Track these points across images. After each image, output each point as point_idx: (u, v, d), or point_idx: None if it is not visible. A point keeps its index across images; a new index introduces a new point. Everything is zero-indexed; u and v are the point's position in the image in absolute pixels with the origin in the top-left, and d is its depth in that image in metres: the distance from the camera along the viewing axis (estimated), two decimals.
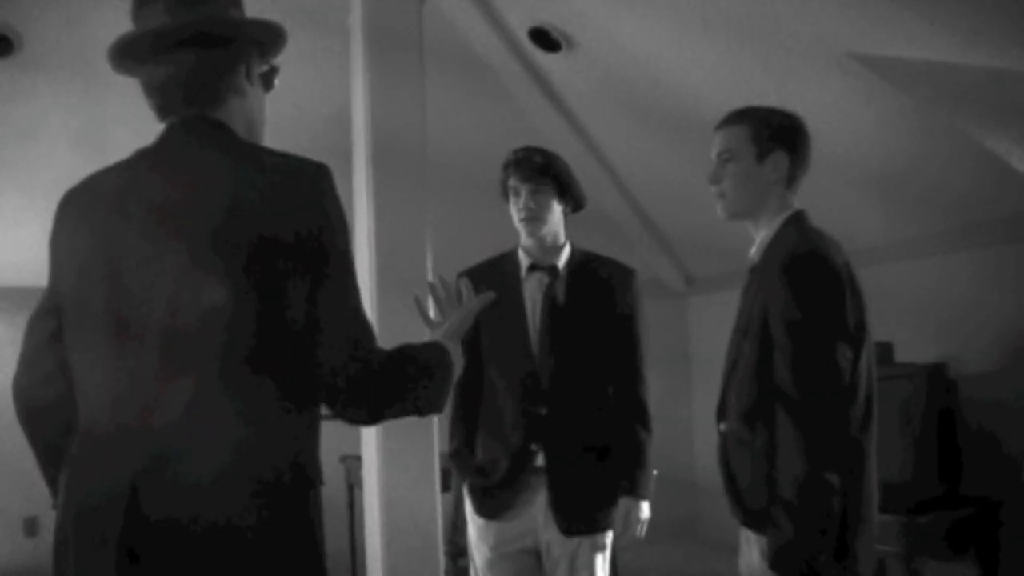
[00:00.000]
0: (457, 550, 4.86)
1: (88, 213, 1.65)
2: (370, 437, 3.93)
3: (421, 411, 1.73)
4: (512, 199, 2.87)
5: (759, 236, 2.33)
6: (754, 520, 2.22)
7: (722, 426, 2.33)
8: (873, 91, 3.91)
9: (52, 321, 1.70)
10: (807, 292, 2.13)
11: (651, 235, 6.53)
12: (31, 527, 5.46)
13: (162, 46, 1.65)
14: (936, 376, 4.22)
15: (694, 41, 4.42)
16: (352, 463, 4.95)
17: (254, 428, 1.50)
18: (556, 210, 2.85)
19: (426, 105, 4.01)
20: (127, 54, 1.69)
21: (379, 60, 3.98)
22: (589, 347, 2.82)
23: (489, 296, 1.99)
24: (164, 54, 1.66)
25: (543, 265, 2.87)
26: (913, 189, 4.43)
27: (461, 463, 2.92)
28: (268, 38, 1.75)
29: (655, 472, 2.91)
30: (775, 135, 2.30)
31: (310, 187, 1.57)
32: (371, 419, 1.68)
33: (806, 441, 2.05)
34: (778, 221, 2.29)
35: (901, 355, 4.37)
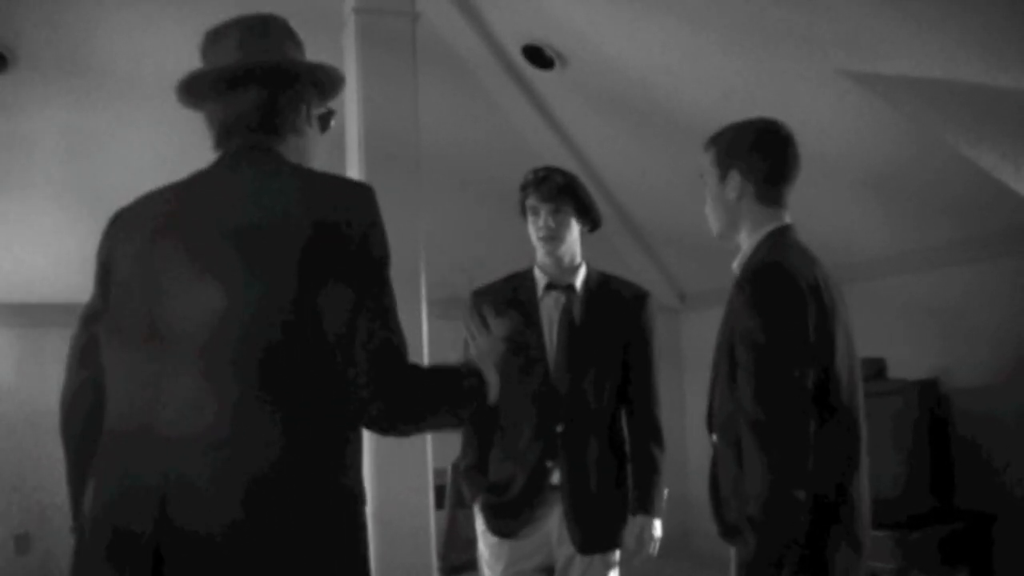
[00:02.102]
0: (450, 567, 4.84)
1: (135, 229, 1.69)
2: (363, 454, 3.92)
3: (452, 424, 1.80)
4: (531, 218, 2.88)
5: (741, 251, 2.34)
6: (729, 533, 2.23)
7: (713, 437, 2.34)
8: (864, 106, 3.93)
9: (85, 334, 1.74)
10: (764, 308, 2.13)
11: (644, 251, 6.54)
12: (23, 544, 5.42)
13: (230, 82, 1.72)
14: (928, 391, 4.23)
15: (687, 59, 4.45)
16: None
17: (291, 440, 1.51)
18: (574, 230, 2.88)
19: (419, 120, 4.02)
20: (194, 90, 1.76)
21: (373, 75, 4.00)
22: (605, 366, 2.84)
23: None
24: (228, 91, 1.73)
25: (560, 284, 2.89)
26: (904, 204, 4.45)
27: (474, 481, 2.92)
28: (328, 80, 1.83)
29: (666, 490, 2.92)
30: (729, 155, 2.31)
31: (355, 206, 1.62)
32: (401, 430, 1.72)
33: (768, 458, 2.05)
34: (758, 236, 2.29)
35: (893, 370, 4.38)
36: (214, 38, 1.77)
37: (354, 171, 3.99)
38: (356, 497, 1.62)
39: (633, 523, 2.82)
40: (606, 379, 2.83)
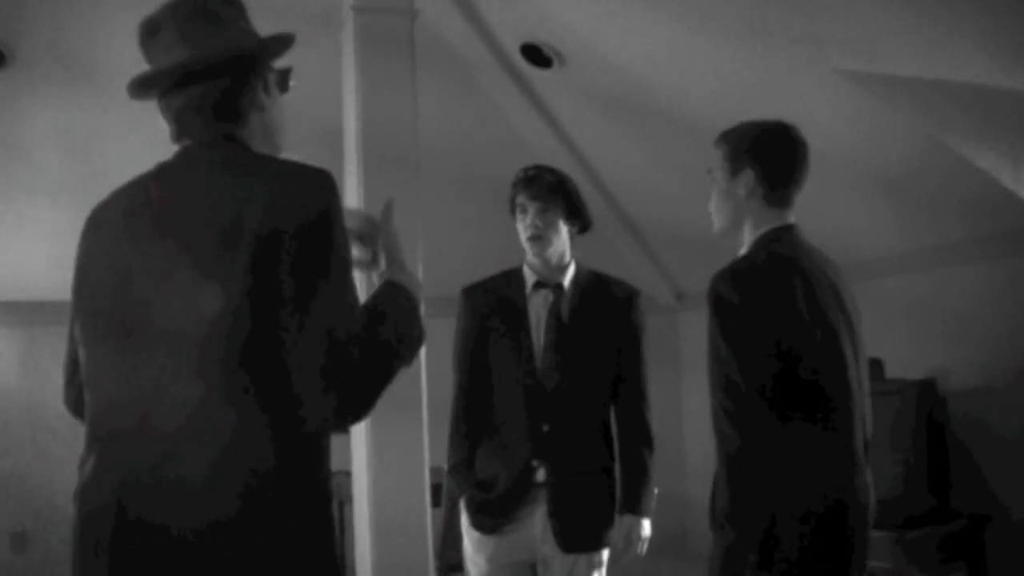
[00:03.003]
0: (447, 566, 4.84)
1: (104, 227, 1.68)
2: (360, 452, 3.92)
3: (407, 360, 1.67)
4: (520, 216, 2.88)
5: (743, 249, 2.35)
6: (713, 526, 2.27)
7: None
8: (861, 107, 3.93)
9: (71, 340, 1.74)
10: (720, 316, 2.15)
11: (642, 250, 6.54)
12: (19, 543, 5.42)
13: (184, 77, 1.68)
14: (926, 392, 4.23)
15: (686, 58, 4.45)
16: (342, 479, 4.93)
17: (253, 434, 1.50)
18: (563, 230, 2.87)
19: (417, 118, 4.02)
20: (143, 90, 1.72)
21: (371, 73, 3.99)
22: (593, 365, 2.84)
23: (389, 202, 1.86)
24: (180, 86, 1.68)
25: (549, 283, 2.88)
26: (902, 205, 4.45)
27: (461, 477, 2.92)
28: (281, 48, 1.77)
29: (656, 490, 2.92)
30: (744, 152, 2.32)
31: (311, 193, 1.57)
32: (363, 404, 1.60)
33: (727, 472, 2.10)
34: (754, 237, 2.30)
35: (891, 370, 4.38)
36: (151, 29, 1.73)
37: (352, 169, 3.99)
38: (329, 495, 1.61)
39: (621, 523, 2.82)
40: (594, 378, 2.84)
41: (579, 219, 2.90)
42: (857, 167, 4.35)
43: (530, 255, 2.89)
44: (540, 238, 2.83)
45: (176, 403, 1.51)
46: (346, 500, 4.95)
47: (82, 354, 1.67)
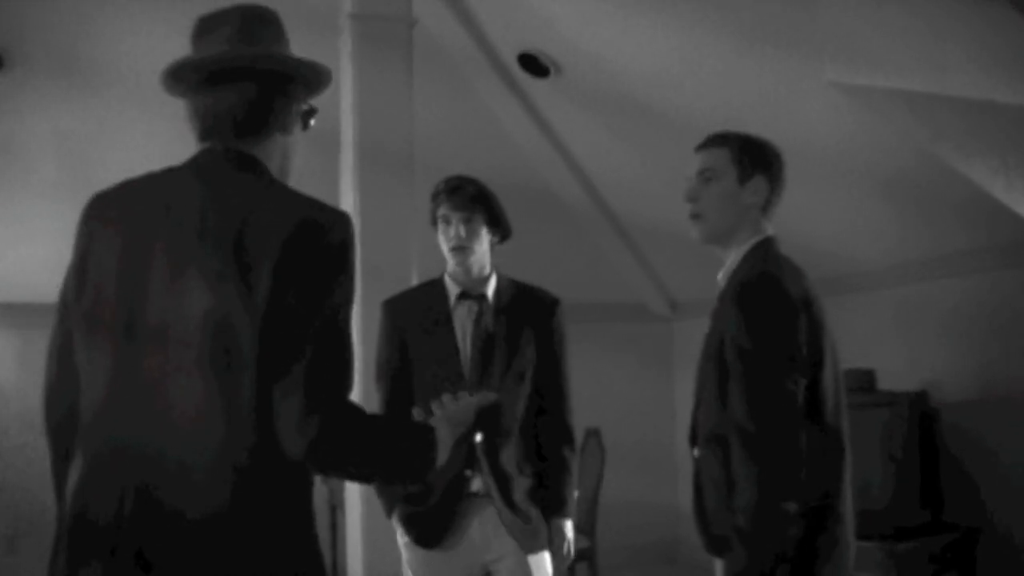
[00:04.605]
0: None
1: (115, 223, 1.67)
2: None
3: (377, 479, 1.68)
4: (442, 227, 2.87)
5: (727, 261, 2.33)
6: (715, 545, 2.23)
7: (695, 451, 2.34)
8: (855, 119, 3.95)
9: (62, 329, 1.72)
10: (757, 319, 2.13)
11: (636, 259, 6.55)
12: (10, 545, 5.41)
13: (221, 75, 1.69)
14: (918, 403, 4.24)
15: (682, 69, 4.47)
16: (334, 484, 4.94)
17: (238, 431, 1.52)
18: (485, 239, 2.87)
19: (414, 126, 4.03)
20: (180, 77, 1.72)
21: (369, 81, 4.01)
22: (518, 374, 2.85)
23: (490, 396, 1.96)
24: (213, 83, 1.69)
25: (472, 294, 2.89)
26: (894, 216, 4.46)
27: (389, 490, 2.89)
28: (315, 78, 1.79)
29: (576, 492, 2.98)
30: (756, 160, 2.31)
31: (329, 228, 1.60)
32: (320, 469, 1.61)
33: (759, 470, 2.05)
34: (746, 247, 2.29)
35: (883, 382, 4.39)
36: (207, 26, 1.74)
37: (348, 177, 3.99)
38: (310, 481, 1.62)
39: (550, 526, 2.85)
40: (521, 386, 2.85)
41: (500, 228, 2.90)
42: (850, 178, 4.37)
43: (452, 266, 2.88)
44: (464, 248, 2.83)
45: (175, 402, 1.53)
46: (339, 506, 4.95)
47: (81, 351, 1.66)
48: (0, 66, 4.59)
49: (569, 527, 2.90)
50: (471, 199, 2.84)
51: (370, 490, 3.79)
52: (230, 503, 1.51)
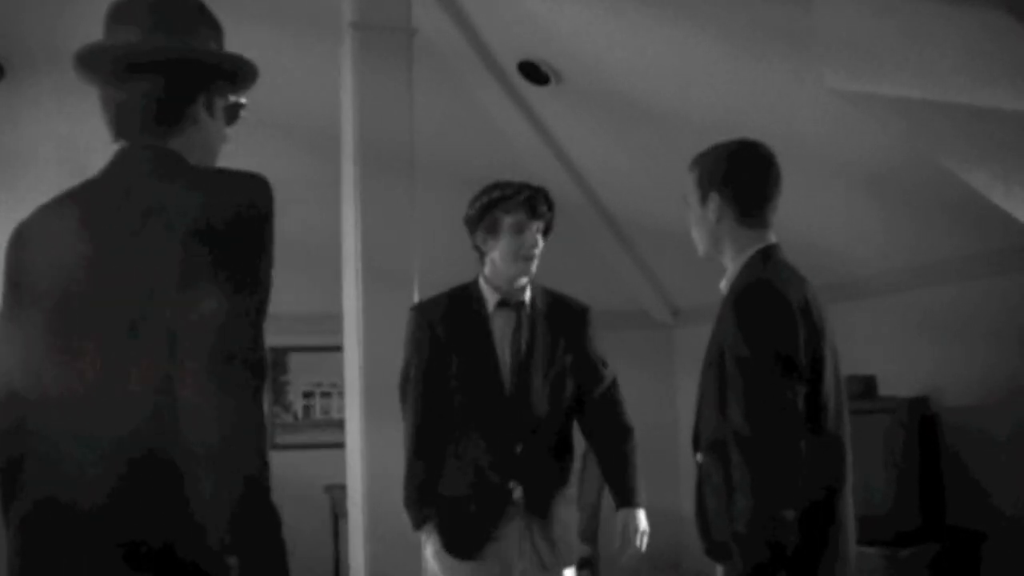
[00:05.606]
0: None
1: (42, 243, 1.64)
2: (355, 466, 3.92)
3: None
4: (510, 236, 2.75)
5: (729, 270, 2.34)
6: (716, 551, 2.24)
7: (698, 456, 2.35)
8: (854, 125, 3.95)
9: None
10: (754, 327, 2.14)
11: (637, 266, 6.56)
12: None
13: (124, 66, 1.65)
14: (918, 409, 4.24)
15: (682, 76, 4.48)
16: (337, 493, 4.93)
17: (203, 412, 1.46)
18: None
19: (415, 135, 4.04)
20: (88, 65, 1.69)
21: (369, 90, 4.02)
22: (558, 382, 2.82)
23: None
24: (126, 74, 1.65)
25: (511, 302, 2.83)
26: (895, 222, 4.47)
27: (426, 501, 2.81)
28: (238, 71, 1.73)
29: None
30: (709, 177, 2.31)
31: (247, 195, 1.55)
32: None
33: (757, 477, 2.05)
34: (746, 256, 2.29)
35: (884, 387, 4.39)
36: (122, 11, 1.69)
37: (349, 185, 4.00)
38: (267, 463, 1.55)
39: (617, 518, 2.81)
40: (560, 395, 2.82)
41: (546, 235, 2.86)
42: (849, 185, 4.37)
43: (512, 273, 2.79)
44: (534, 258, 2.78)
45: (130, 410, 1.47)
46: (341, 514, 4.95)
47: (22, 360, 1.60)
48: (2, 74, 4.61)
49: (642, 517, 2.83)
50: (549, 207, 2.79)
51: (374, 499, 3.80)
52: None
